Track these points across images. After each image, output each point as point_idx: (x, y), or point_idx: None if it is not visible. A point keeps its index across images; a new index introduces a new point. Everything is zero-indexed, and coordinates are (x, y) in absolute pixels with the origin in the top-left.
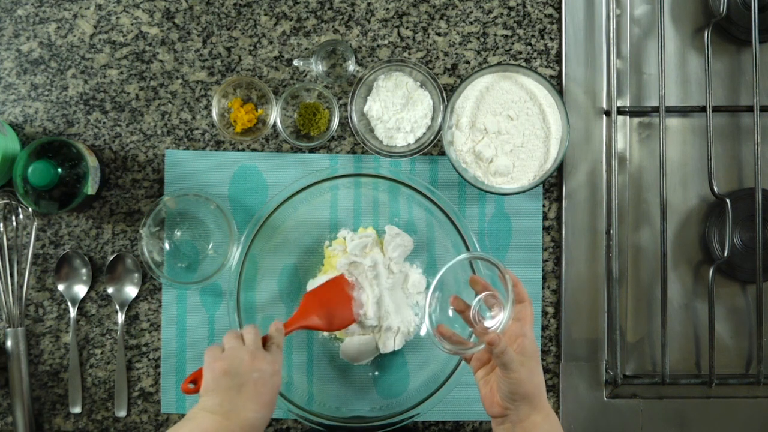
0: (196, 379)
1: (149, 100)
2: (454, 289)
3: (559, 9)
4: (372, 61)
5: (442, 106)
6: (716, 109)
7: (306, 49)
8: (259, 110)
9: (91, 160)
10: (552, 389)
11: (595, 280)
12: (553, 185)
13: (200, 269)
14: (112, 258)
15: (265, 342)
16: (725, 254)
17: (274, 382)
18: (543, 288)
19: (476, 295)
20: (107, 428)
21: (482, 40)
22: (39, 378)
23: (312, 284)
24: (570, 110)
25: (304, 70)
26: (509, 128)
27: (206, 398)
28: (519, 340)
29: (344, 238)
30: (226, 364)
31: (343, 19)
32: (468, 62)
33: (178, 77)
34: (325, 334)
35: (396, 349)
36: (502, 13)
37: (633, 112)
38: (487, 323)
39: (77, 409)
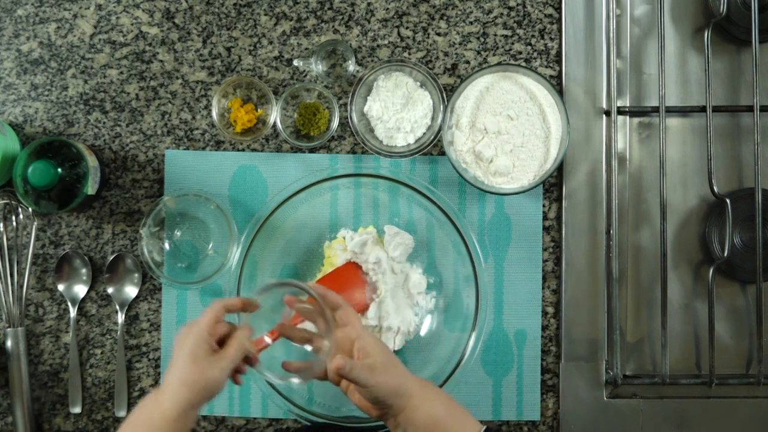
0: None
1: (149, 100)
2: (269, 318)
3: (559, 9)
4: (372, 61)
5: (442, 106)
6: (716, 109)
7: (306, 49)
8: (259, 110)
9: (91, 160)
10: (552, 389)
11: (595, 280)
12: (553, 185)
13: (200, 269)
14: (112, 258)
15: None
16: (725, 254)
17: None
18: (543, 288)
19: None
20: (107, 428)
21: (482, 40)
22: (39, 378)
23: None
24: (570, 110)
25: (304, 70)
26: (509, 128)
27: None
28: (357, 344)
29: (344, 238)
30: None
31: (343, 19)
32: (468, 62)
33: (178, 77)
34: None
35: (396, 349)
36: (502, 13)
37: (633, 112)
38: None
39: (77, 409)
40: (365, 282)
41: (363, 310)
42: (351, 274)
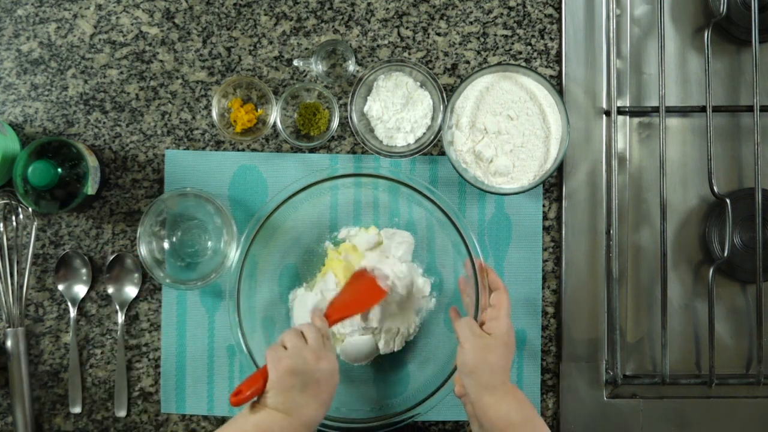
0: (241, 389)
1: (149, 100)
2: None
3: (559, 9)
4: (372, 61)
5: (442, 106)
6: (716, 109)
7: (306, 49)
8: (259, 110)
9: (91, 160)
10: (552, 389)
11: (595, 280)
12: (553, 185)
13: (200, 269)
14: (112, 258)
15: None
16: (725, 254)
17: (334, 381)
18: (543, 288)
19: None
20: (107, 428)
21: (482, 40)
22: (39, 378)
23: (301, 294)
24: (570, 110)
25: (304, 70)
26: (509, 128)
27: (271, 395)
28: (492, 323)
29: (349, 241)
30: (292, 363)
31: (343, 19)
32: (468, 62)
33: (178, 77)
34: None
35: (396, 350)
36: (502, 13)
37: (633, 112)
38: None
39: (77, 409)
40: (374, 278)
41: (380, 299)
42: (360, 278)
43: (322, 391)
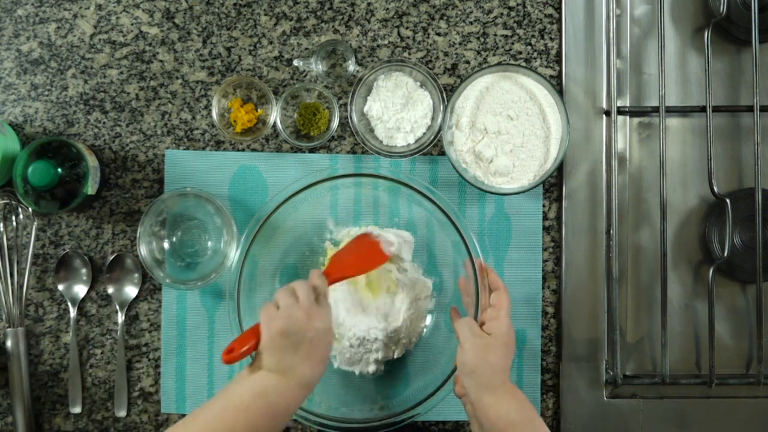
0: (233, 347)
1: (149, 100)
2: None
3: (559, 9)
4: (372, 61)
5: (442, 106)
6: (716, 109)
7: (306, 49)
8: (259, 110)
9: (91, 160)
10: (552, 389)
11: (595, 280)
12: (553, 185)
13: (200, 269)
14: (112, 258)
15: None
16: (725, 254)
17: (327, 340)
18: (543, 288)
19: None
20: (107, 428)
21: (482, 40)
22: (39, 378)
23: None
24: (570, 110)
25: (304, 70)
26: (509, 128)
27: (264, 356)
28: (492, 323)
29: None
30: (283, 324)
31: (343, 19)
32: (468, 62)
33: (178, 77)
34: None
35: (395, 357)
36: (502, 13)
37: (633, 112)
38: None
39: (77, 409)
40: (377, 242)
41: (381, 263)
42: (363, 240)
43: (315, 350)
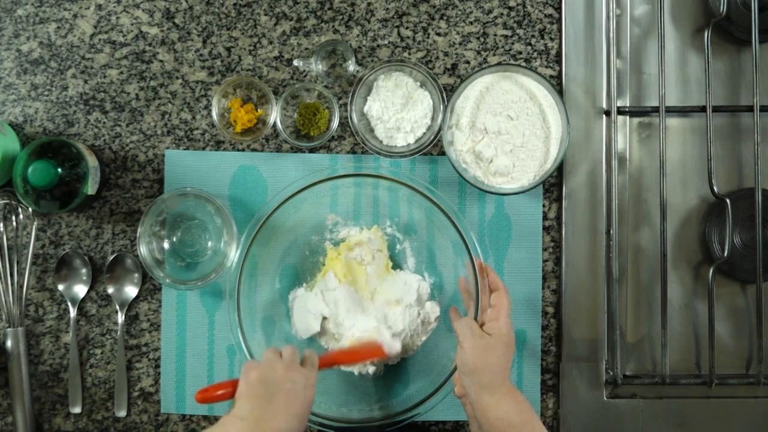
0: (208, 389)
1: (149, 100)
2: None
3: (559, 9)
4: (372, 61)
5: (442, 106)
6: (716, 109)
7: (306, 49)
8: (259, 110)
9: (91, 160)
10: (552, 389)
11: (595, 280)
12: (553, 185)
13: (200, 269)
14: (112, 258)
15: (302, 362)
16: (725, 254)
17: (306, 395)
18: (543, 288)
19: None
20: (107, 428)
21: (482, 40)
22: (39, 378)
23: (301, 294)
24: (570, 110)
25: (304, 70)
26: (509, 128)
27: (239, 404)
28: (492, 324)
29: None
30: (261, 373)
31: (343, 19)
32: (468, 62)
33: (178, 77)
34: (323, 342)
35: (392, 363)
36: (502, 13)
37: (633, 112)
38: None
39: (77, 409)
40: (381, 344)
41: (379, 357)
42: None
43: (292, 402)
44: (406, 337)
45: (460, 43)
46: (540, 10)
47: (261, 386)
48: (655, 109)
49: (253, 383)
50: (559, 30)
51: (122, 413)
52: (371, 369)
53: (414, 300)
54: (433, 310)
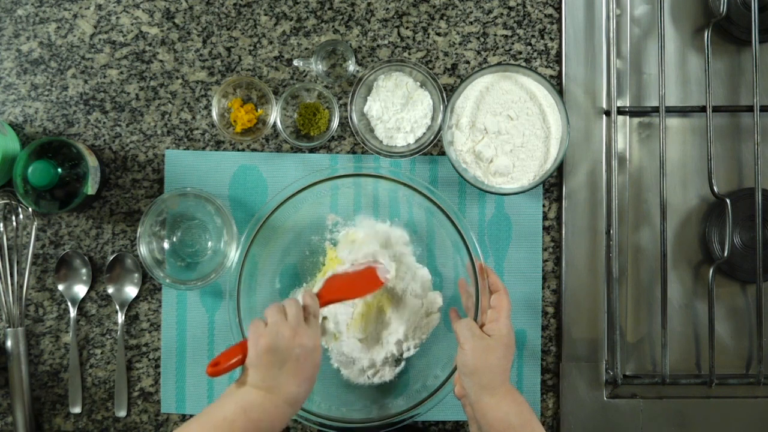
0: (219, 361)
1: (149, 100)
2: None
3: (559, 9)
4: (372, 61)
5: (442, 106)
6: (716, 109)
7: (306, 49)
8: (259, 110)
9: (91, 160)
10: (552, 389)
11: (595, 280)
12: (553, 185)
13: (200, 269)
14: (112, 258)
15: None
16: (725, 254)
17: (314, 357)
18: (543, 288)
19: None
20: (107, 428)
21: (482, 40)
22: (39, 378)
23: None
24: (570, 110)
25: (304, 70)
26: (509, 128)
27: (251, 373)
28: (492, 325)
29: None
30: (269, 340)
31: (343, 19)
32: (468, 62)
33: (178, 77)
34: (323, 342)
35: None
36: (502, 13)
37: (633, 112)
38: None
39: (77, 409)
40: (375, 268)
41: (377, 288)
42: (364, 272)
43: (302, 367)
44: (410, 329)
45: (460, 43)
46: (540, 10)
47: (271, 354)
48: (655, 109)
49: (263, 351)
50: (559, 30)
51: (122, 413)
52: (377, 377)
53: (419, 288)
54: (435, 300)
